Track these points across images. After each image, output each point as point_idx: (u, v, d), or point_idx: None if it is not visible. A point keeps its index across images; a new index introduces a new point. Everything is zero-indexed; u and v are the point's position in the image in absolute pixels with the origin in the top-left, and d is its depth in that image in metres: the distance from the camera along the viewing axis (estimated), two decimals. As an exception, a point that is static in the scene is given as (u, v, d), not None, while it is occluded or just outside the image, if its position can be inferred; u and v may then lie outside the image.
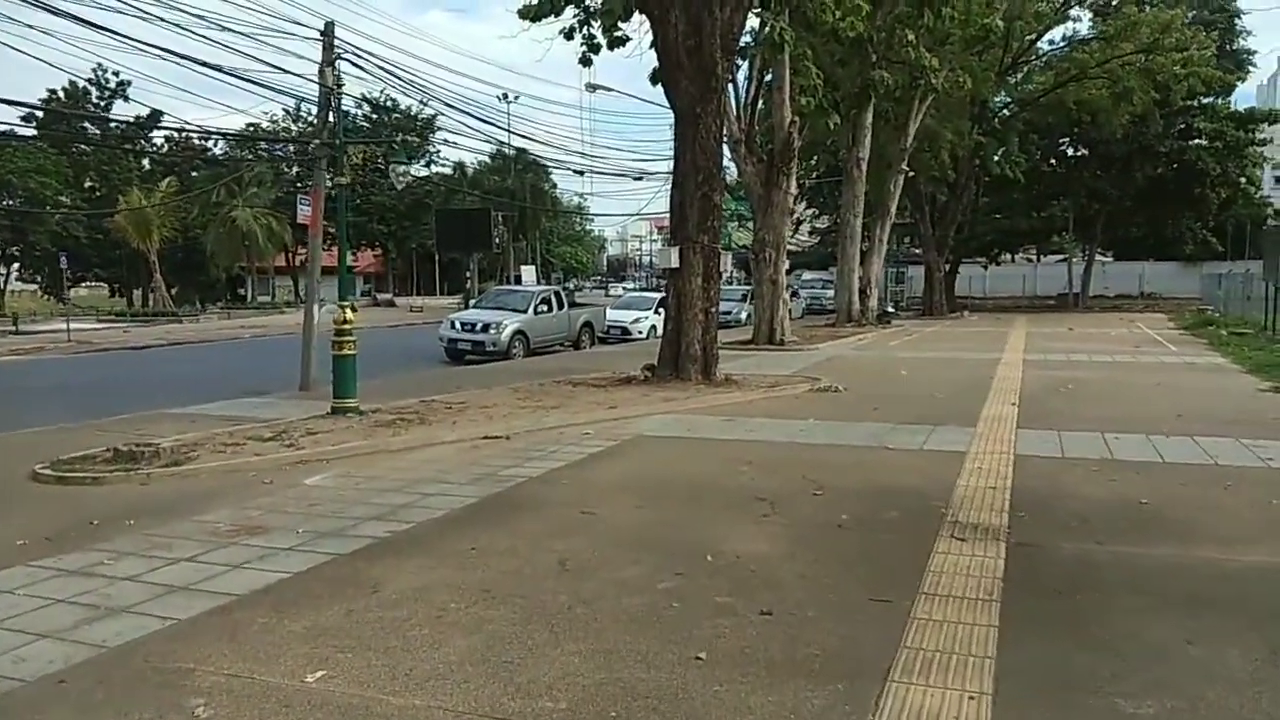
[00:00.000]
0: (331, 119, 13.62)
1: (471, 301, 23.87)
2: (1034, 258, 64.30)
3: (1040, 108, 39.55)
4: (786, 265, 23.25)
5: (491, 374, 17.08)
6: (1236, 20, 47.64)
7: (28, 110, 51.31)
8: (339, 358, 11.06)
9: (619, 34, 19.27)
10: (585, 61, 19.57)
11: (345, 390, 11.04)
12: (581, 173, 26.80)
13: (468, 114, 27.09)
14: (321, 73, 13.85)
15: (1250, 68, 49.14)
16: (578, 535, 6.15)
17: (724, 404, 12.59)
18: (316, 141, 10.92)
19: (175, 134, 62.51)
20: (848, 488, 7.52)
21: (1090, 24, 38.06)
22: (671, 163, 29.30)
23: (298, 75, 17.72)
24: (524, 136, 39.94)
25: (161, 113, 62.16)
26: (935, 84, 27.69)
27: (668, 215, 14.86)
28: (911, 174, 32.76)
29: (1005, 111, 39.53)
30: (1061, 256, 64.49)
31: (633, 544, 5.93)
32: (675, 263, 14.10)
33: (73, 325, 31.60)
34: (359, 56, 14.87)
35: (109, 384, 18.04)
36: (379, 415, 11.07)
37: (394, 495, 7.43)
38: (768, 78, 23.82)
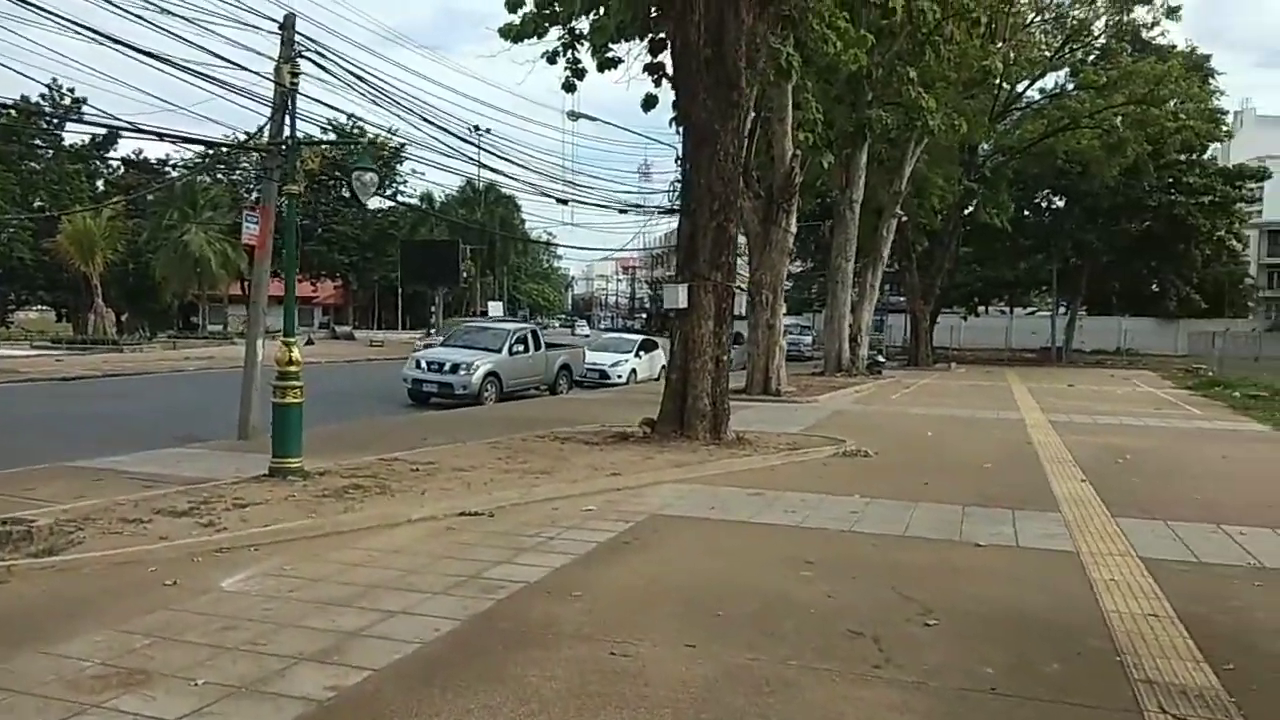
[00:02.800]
0: (287, 124, 11.58)
1: (437, 337, 21.78)
2: (1006, 310, 63.57)
3: (1029, 157, 38.65)
4: (782, 309, 21.49)
5: (463, 423, 14.98)
6: (1210, 80, 47.42)
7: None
8: (281, 407, 8.95)
9: (610, 55, 17.67)
10: (569, 88, 17.95)
11: (287, 447, 8.92)
12: (565, 202, 24.65)
13: (444, 129, 25.06)
14: (278, 70, 11.87)
15: (1223, 126, 48.95)
16: (612, 706, 4.11)
17: (742, 471, 10.63)
18: (265, 145, 8.98)
19: (132, 156, 60.30)
20: (964, 611, 5.57)
21: (1082, 74, 37.14)
22: (678, 189, 27.75)
23: (254, 73, 15.77)
24: (495, 171, 38.05)
25: (117, 133, 59.95)
26: (931, 125, 26.42)
27: (675, 247, 13.00)
28: (905, 219, 31.40)
29: (996, 159, 38.45)
30: (1030, 309, 64.00)
31: (703, 723, 3.92)
32: (683, 303, 12.20)
33: (3, 352, 28.91)
34: (323, 56, 12.85)
35: (14, 423, 15.62)
36: (328, 479, 8.95)
37: (340, 612, 5.35)
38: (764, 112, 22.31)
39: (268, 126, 12.09)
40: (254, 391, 12.55)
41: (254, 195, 62.67)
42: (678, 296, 12.19)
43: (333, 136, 59.27)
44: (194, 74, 12.06)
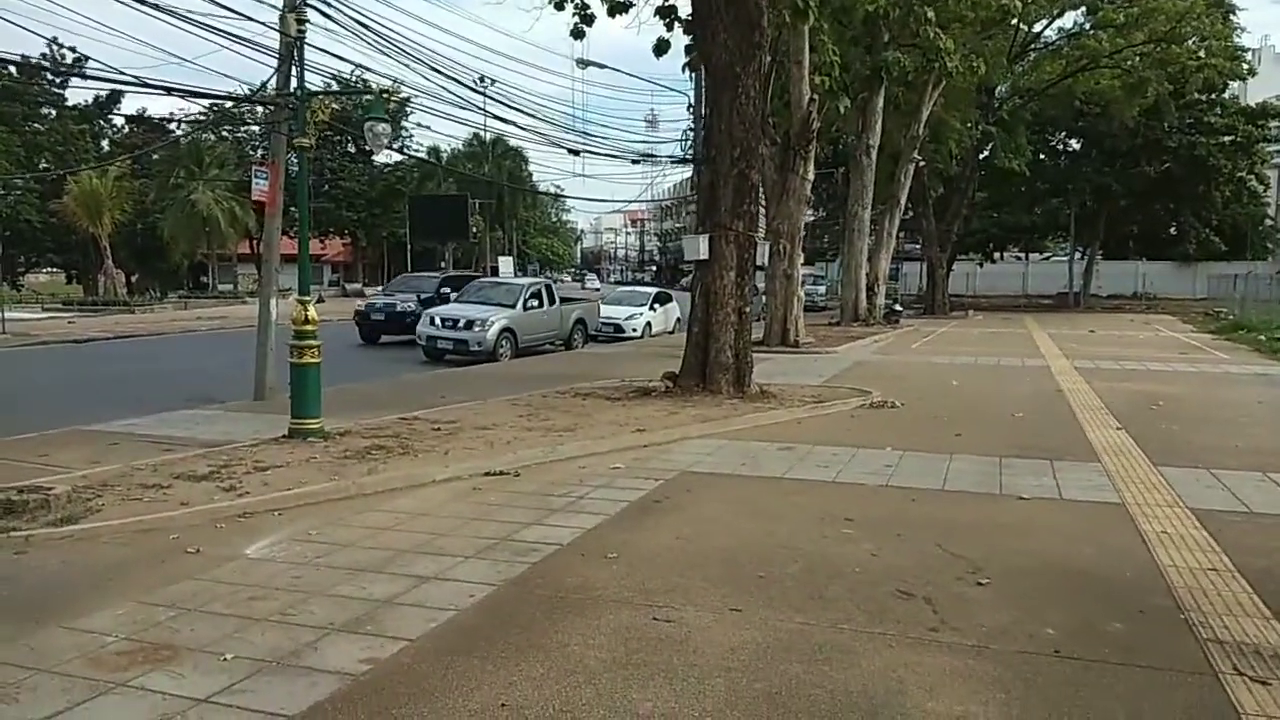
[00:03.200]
0: (294, 76, 11.21)
1: (453, 295, 21.47)
2: (1021, 256, 62.80)
3: (1047, 99, 37.76)
4: (800, 259, 21.12)
5: (481, 380, 14.79)
6: (1231, 16, 46.06)
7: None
8: (299, 367, 8.74)
9: None
10: (577, 34, 17.48)
11: (306, 408, 8.73)
12: (576, 152, 24.16)
13: (451, 77, 24.19)
14: (283, 19, 11.47)
15: (1245, 64, 47.69)
16: (661, 676, 3.92)
17: (769, 424, 10.41)
18: (274, 97, 8.61)
19: (137, 114, 59.68)
20: (1015, 569, 5.36)
21: (1101, 12, 36.10)
22: (690, 139, 27.19)
23: (260, 22, 15.27)
24: (503, 121, 37.48)
25: (121, 93, 59.29)
26: (950, 67, 25.71)
27: (696, 199, 12.62)
28: (924, 163, 30.80)
29: (1013, 101, 37.59)
30: (1045, 255, 63.12)
31: (753, 697, 3.73)
32: (704, 254, 11.89)
33: (15, 315, 28.81)
34: (328, 4, 12.43)
35: (29, 387, 15.52)
36: (349, 440, 8.77)
37: (371, 579, 5.18)
38: (779, 56, 21.72)
39: (274, 79, 11.72)
40: (269, 351, 12.35)
41: (260, 152, 62.31)
42: (699, 247, 11.88)
43: (338, 88, 58.91)
44: (198, 25, 11.68)
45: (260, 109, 11.28)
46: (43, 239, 52.43)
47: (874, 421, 10.76)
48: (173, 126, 53.58)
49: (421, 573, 5.26)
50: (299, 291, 8.93)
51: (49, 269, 64.75)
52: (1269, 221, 52.14)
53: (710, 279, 11.92)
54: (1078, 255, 49.08)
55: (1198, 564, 5.44)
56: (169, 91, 10.66)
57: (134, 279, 60.58)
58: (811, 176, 20.47)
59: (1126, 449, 8.97)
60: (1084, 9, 36.46)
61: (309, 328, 8.76)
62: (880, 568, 5.35)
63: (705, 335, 12.01)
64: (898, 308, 30.09)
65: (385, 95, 8.34)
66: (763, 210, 21.33)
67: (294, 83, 9.54)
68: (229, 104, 10.87)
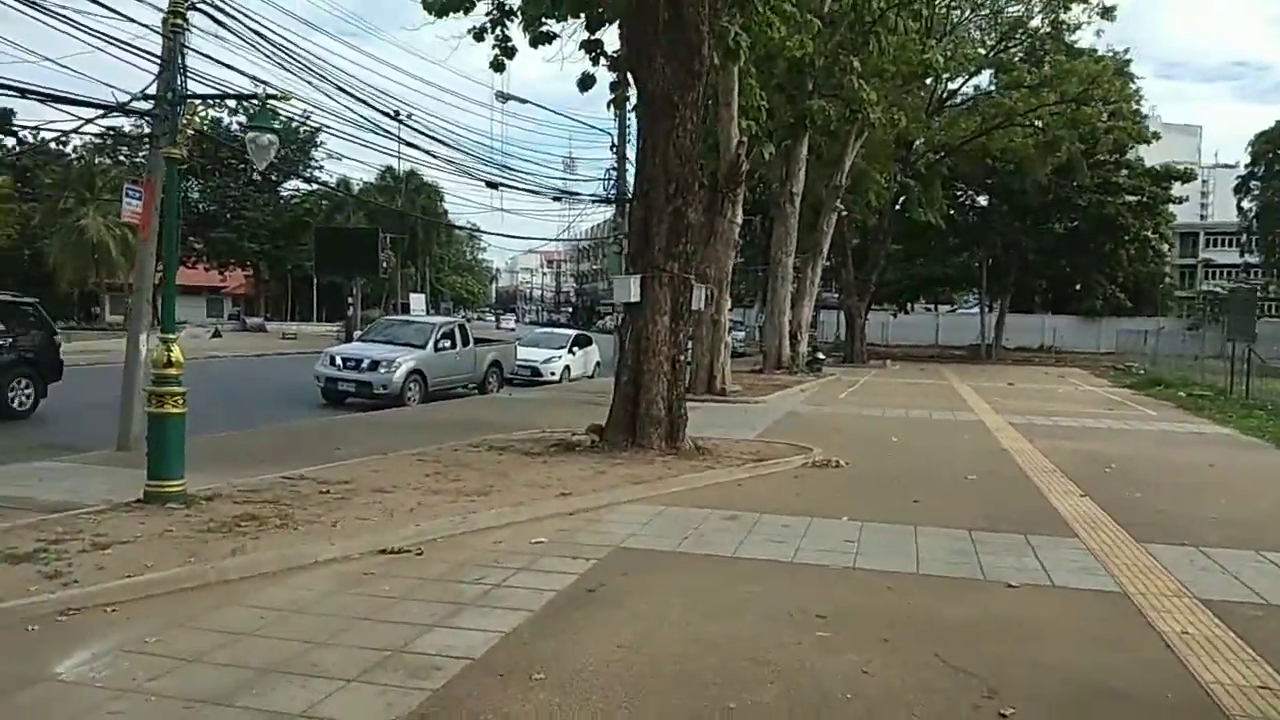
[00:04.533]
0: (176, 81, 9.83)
1: (356, 333, 20.03)
2: (931, 307, 63.91)
3: (962, 154, 38.31)
4: (727, 304, 20.34)
5: (383, 429, 13.38)
6: (1131, 83, 47.96)
7: None
8: (158, 419, 7.31)
9: (544, 29, 16.31)
10: (498, 67, 16.57)
11: (166, 467, 7.28)
12: (495, 185, 23.03)
13: (363, 101, 22.50)
14: (166, 21, 10.13)
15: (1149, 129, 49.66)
16: None
17: (708, 486, 9.35)
18: (145, 99, 7.23)
19: (29, 137, 56.14)
20: (1036, 692, 4.35)
21: (1015, 72, 36.88)
22: (613, 178, 26.28)
23: (140, 24, 13.70)
24: (418, 149, 36.00)
25: (12, 112, 55.73)
26: (873, 118, 25.70)
27: (626, 237, 11.65)
28: (845, 213, 30.63)
29: (929, 157, 38.00)
30: (952, 308, 64.39)
31: None
32: (635, 296, 10.85)
33: None
34: (221, 11, 11.11)
35: None
36: (216, 506, 7.34)
37: (219, 717, 3.87)
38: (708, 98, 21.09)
39: (153, 85, 10.32)
40: (136, 395, 10.74)
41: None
42: (630, 289, 10.83)
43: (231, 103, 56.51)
44: (65, 20, 10.25)
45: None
46: (-90, 263, 48.54)
47: (821, 483, 9.80)
48: (67, 151, 50.58)
49: (285, 707, 3.97)
50: (162, 329, 7.51)
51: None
52: (1168, 279, 54.19)
53: (641, 324, 10.88)
54: (988, 308, 49.92)
55: (1243, 679, 4.53)
56: (23, 94, 9.14)
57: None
58: (740, 220, 19.77)
59: (1099, 521, 8.17)
60: (996, 70, 37.23)
61: (172, 371, 7.34)
62: (877, 693, 4.28)
63: (635, 386, 10.92)
64: (820, 356, 29.62)
65: (272, 101, 7.06)
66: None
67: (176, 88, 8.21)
68: (96, 113, 9.38)
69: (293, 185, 64.01)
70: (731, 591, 5.84)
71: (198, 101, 7.32)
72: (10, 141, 55.83)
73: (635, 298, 10.83)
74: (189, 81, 8.69)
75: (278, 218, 59.25)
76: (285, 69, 15.13)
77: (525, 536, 7.06)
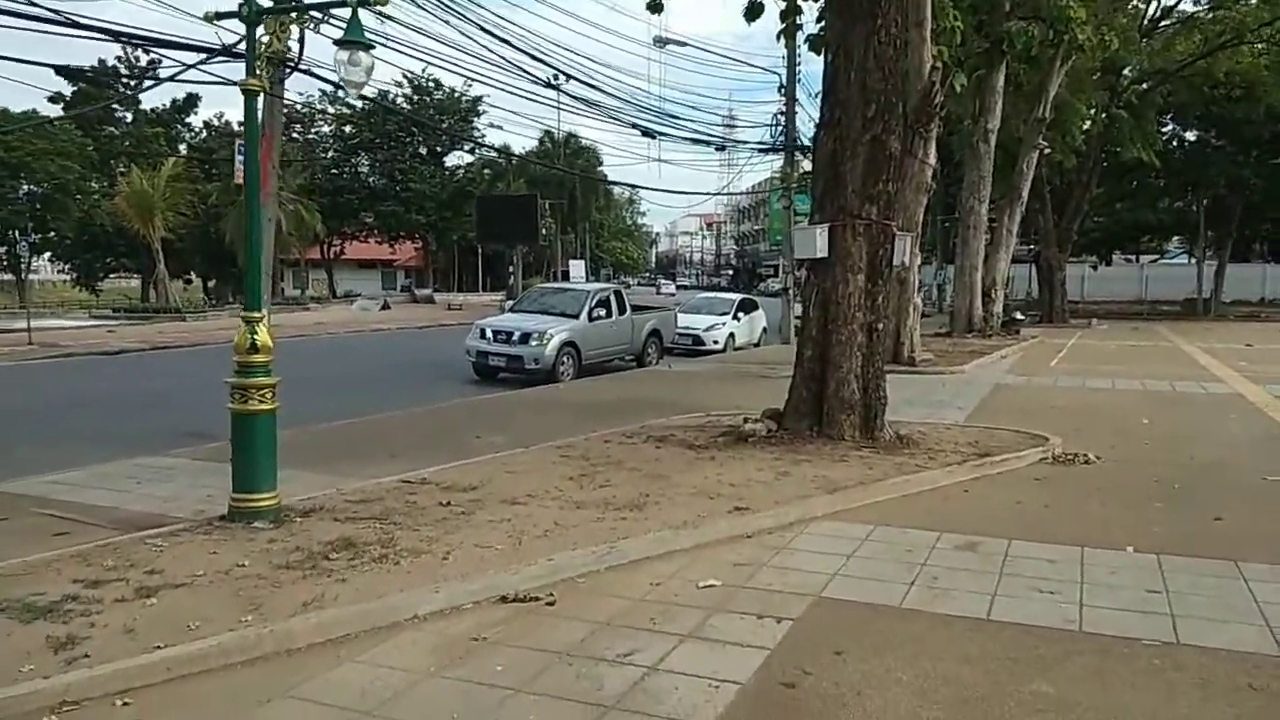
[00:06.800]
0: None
1: (508, 304, 18.85)
2: (1133, 258, 57.64)
3: (1180, 79, 33.36)
4: (917, 259, 17.84)
5: (531, 410, 11.95)
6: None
7: (53, 91, 47.44)
8: (243, 418, 5.95)
9: None
10: (655, 7, 14.82)
11: (254, 479, 5.93)
12: (653, 135, 21.35)
13: (520, 51, 20.91)
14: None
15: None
16: None
17: (925, 494, 7.28)
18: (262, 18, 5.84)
19: (214, 120, 58.78)
20: None
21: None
22: (781, 124, 24.08)
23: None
24: (578, 101, 34.65)
25: (198, 97, 58.50)
26: (1081, 39, 22.17)
27: (810, 177, 9.58)
28: (1049, 149, 27.07)
29: (1140, 85, 33.36)
30: (1154, 258, 57.74)
31: None
32: (822, 250, 8.80)
33: (53, 324, 27.16)
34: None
35: None
36: (311, 524, 5.94)
37: None
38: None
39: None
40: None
41: (329, 154, 60.91)
42: (814, 242, 8.79)
43: (407, 90, 57.02)
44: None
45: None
46: (116, 243, 51.58)
47: (1074, 488, 7.53)
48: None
49: None
50: (246, 306, 6.12)
51: (124, 273, 64.32)
52: None
53: (830, 284, 8.84)
54: (1205, 257, 44.19)
55: None
56: (116, 38, 8.07)
57: (210, 284, 59.82)
58: (933, 160, 17.14)
59: None
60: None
61: (258, 359, 5.95)
62: None
63: (822, 361, 8.92)
64: (1019, 316, 26.39)
65: (366, 3, 5.46)
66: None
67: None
68: (199, 57, 8.20)
69: (456, 157, 64.49)
70: (1000, 692, 3.83)
71: (276, 18, 5.76)
72: (198, 123, 58.93)
73: (822, 252, 8.78)
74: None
75: (443, 189, 59.63)
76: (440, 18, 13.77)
77: (691, 575, 5.28)
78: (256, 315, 6.07)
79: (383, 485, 7.09)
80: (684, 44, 25.15)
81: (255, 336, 5.97)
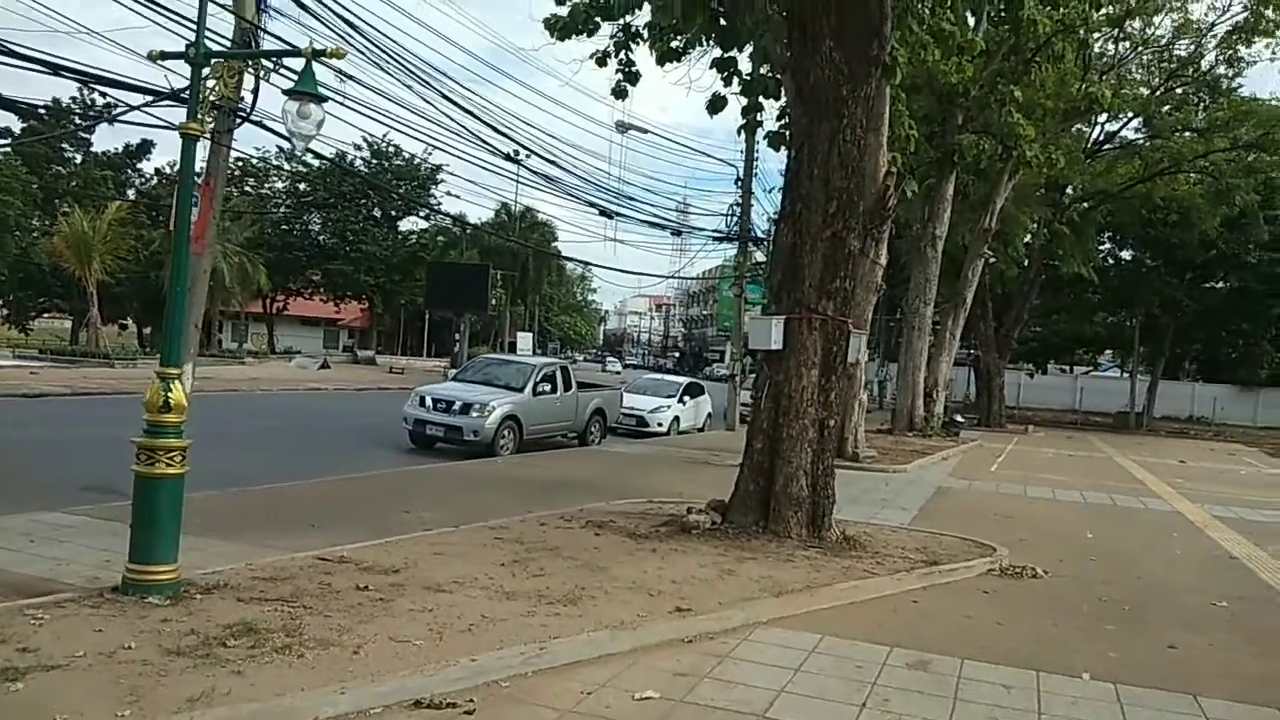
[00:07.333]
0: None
1: (452, 372, 18.44)
2: (1066, 368, 59.13)
3: (1121, 201, 34.69)
4: (865, 356, 17.87)
5: (466, 484, 11.47)
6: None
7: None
8: (146, 481, 5.44)
9: (673, 44, 14.68)
10: (619, 93, 14.97)
11: (153, 549, 5.40)
12: (611, 215, 21.36)
13: (482, 123, 20.92)
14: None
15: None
16: None
17: (871, 601, 6.97)
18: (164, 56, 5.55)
19: (167, 168, 57.74)
20: None
21: (1184, 110, 33.32)
22: (736, 214, 24.28)
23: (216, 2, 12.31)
24: (538, 175, 34.90)
25: (152, 143, 57.47)
26: (1029, 155, 22.91)
27: (766, 269, 9.47)
28: (994, 259, 27.74)
29: (1081, 204, 34.58)
30: (1087, 370, 59.32)
31: None
32: (777, 342, 8.62)
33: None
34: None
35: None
36: (210, 605, 5.40)
37: None
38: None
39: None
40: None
41: (280, 210, 60.25)
42: (770, 333, 8.61)
43: (366, 154, 56.89)
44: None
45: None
46: (52, 283, 49.94)
47: (1024, 604, 7.29)
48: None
49: None
50: (161, 360, 5.66)
51: (57, 314, 62.22)
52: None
53: (783, 377, 8.63)
54: (1138, 372, 45.47)
55: None
56: (56, 71, 7.70)
57: (146, 331, 58.08)
58: (884, 261, 17.33)
59: None
60: (1164, 108, 33.67)
61: (169, 419, 5.48)
62: None
63: (771, 454, 8.65)
64: (959, 418, 26.63)
65: (322, 55, 5.18)
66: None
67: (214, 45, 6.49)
68: (143, 99, 7.86)
69: (410, 223, 64.27)
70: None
71: (224, 62, 5.46)
72: (149, 169, 57.88)
73: (777, 344, 8.60)
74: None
75: (394, 252, 59.21)
76: (382, 69, 13.61)
77: (626, 684, 4.85)
78: (174, 371, 5.61)
79: (296, 561, 6.55)
80: (645, 130, 25.48)
81: (169, 394, 5.51)
